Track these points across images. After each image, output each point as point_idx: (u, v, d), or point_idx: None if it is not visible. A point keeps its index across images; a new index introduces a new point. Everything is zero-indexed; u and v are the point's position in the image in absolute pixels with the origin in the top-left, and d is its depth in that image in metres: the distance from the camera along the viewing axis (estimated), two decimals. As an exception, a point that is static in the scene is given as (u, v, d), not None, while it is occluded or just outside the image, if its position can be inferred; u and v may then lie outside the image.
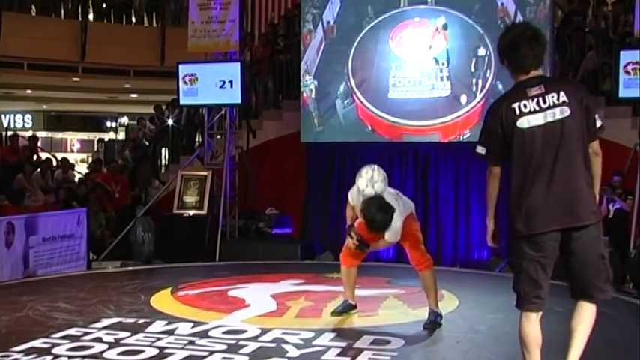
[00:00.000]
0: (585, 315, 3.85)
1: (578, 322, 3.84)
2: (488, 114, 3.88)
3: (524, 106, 3.71)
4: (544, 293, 3.77)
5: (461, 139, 9.64)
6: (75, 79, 17.41)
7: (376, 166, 5.71)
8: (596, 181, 3.82)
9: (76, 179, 12.96)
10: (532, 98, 3.71)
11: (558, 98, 3.68)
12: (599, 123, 3.77)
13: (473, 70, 9.53)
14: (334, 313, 6.05)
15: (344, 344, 5.12)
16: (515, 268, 3.81)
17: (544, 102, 3.69)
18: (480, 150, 3.86)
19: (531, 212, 3.70)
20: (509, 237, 3.83)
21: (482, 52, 9.48)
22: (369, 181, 5.59)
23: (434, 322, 5.68)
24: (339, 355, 4.88)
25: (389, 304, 6.56)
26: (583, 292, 3.82)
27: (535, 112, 3.69)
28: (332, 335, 5.38)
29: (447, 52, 9.65)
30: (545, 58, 3.87)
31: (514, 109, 3.72)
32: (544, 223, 3.68)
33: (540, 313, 3.81)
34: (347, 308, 6.07)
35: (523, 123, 3.70)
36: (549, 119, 3.68)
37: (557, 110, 3.68)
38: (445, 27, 9.64)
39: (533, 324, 3.76)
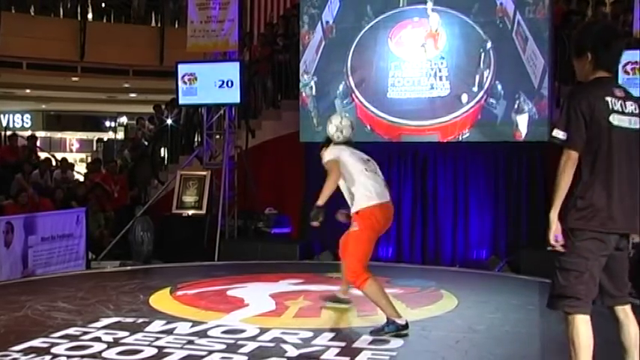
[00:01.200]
0: (634, 329, 3.80)
1: (630, 341, 3.79)
2: (573, 99, 3.66)
3: (614, 103, 3.65)
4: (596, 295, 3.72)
5: (460, 138, 9.63)
6: (74, 78, 17.41)
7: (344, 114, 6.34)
8: None
9: (76, 179, 12.95)
10: (618, 99, 3.66)
11: (636, 108, 3.68)
12: None
13: (472, 69, 9.53)
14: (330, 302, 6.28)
15: (343, 344, 5.12)
16: (577, 269, 3.62)
17: (626, 107, 3.67)
18: (561, 135, 3.64)
19: (604, 210, 3.62)
20: (568, 235, 3.64)
21: (481, 51, 9.47)
22: (338, 126, 6.07)
23: (379, 330, 5.38)
24: (338, 354, 4.87)
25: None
26: (619, 295, 3.80)
27: (621, 113, 3.65)
28: (331, 335, 5.37)
29: (446, 52, 9.65)
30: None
31: (607, 102, 3.63)
32: (615, 223, 3.62)
33: None
34: (345, 301, 6.19)
35: (614, 119, 3.63)
36: (632, 125, 3.66)
37: (635, 120, 3.67)
38: (444, 27, 9.64)
39: (589, 327, 3.67)
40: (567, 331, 3.67)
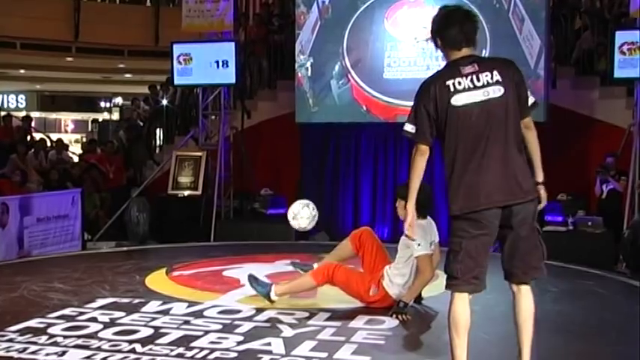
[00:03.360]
0: (529, 309, 3.81)
1: (524, 318, 3.80)
2: (419, 92, 3.81)
3: (459, 83, 3.68)
4: (483, 274, 3.78)
5: (456, 119, 9.62)
6: (68, 59, 17.32)
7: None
8: (537, 156, 3.84)
9: (72, 159, 12.93)
10: (466, 76, 3.68)
11: (492, 77, 3.67)
12: (532, 99, 3.81)
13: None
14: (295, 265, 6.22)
15: (338, 324, 5.13)
16: (453, 248, 3.72)
17: (478, 80, 3.67)
18: (409, 128, 3.83)
19: (471, 190, 3.66)
20: (449, 217, 3.76)
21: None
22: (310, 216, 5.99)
23: None
24: (333, 334, 4.89)
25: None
26: (520, 274, 3.81)
27: (469, 89, 3.67)
28: (327, 315, 5.39)
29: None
30: (478, 38, 3.83)
31: (448, 86, 3.69)
32: (485, 200, 3.65)
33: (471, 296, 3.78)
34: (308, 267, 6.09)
35: (458, 100, 3.67)
36: (484, 97, 3.66)
37: (490, 89, 3.66)
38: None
39: (466, 305, 3.75)
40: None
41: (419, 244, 5.29)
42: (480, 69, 3.69)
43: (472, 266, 3.72)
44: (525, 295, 3.81)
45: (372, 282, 5.56)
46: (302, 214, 6.00)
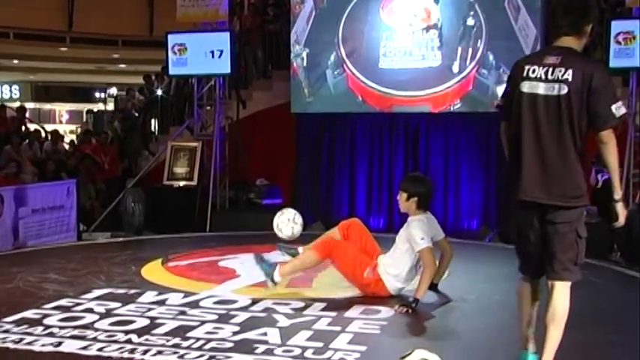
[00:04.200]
0: (552, 307, 3.77)
1: (549, 317, 3.77)
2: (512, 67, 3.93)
3: (533, 71, 3.70)
4: (536, 262, 3.80)
5: (451, 109, 9.64)
6: (62, 49, 17.27)
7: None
8: (613, 172, 3.77)
9: (67, 150, 12.91)
10: (544, 66, 3.69)
11: (564, 75, 3.63)
12: (616, 112, 3.63)
13: (463, 40, 9.50)
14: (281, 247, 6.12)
15: (334, 314, 5.15)
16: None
17: (552, 74, 3.66)
18: (498, 101, 4.00)
19: (516, 180, 3.72)
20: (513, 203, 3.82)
21: (472, 22, 9.43)
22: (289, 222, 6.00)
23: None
24: (329, 324, 4.91)
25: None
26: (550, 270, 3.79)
27: (538, 79, 3.68)
28: (322, 305, 5.40)
29: (437, 22, 9.60)
30: (583, 29, 3.80)
31: (524, 69, 3.74)
32: (523, 193, 3.70)
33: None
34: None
35: (524, 86, 3.71)
36: (547, 92, 3.65)
37: (556, 86, 3.63)
38: (437, 1, 9.57)
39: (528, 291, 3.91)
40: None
41: (422, 238, 5.34)
42: (560, 63, 3.67)
43: (525, 257, 3.93)
44: (553, 293, 3.78)
45: (369, 266, 5.61)
46: (281, 226, 6.05)
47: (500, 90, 9.13)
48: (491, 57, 9.36)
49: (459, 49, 9.53)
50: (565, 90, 3.62)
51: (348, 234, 5.86)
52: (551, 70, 3.66)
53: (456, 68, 9.53)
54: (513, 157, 3.77)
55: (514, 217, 3.84)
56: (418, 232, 5.39)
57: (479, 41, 9.44)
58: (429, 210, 5.64)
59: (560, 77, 3.63)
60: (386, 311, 5.23)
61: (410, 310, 5.21)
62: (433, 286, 5.73)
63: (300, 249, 5.91)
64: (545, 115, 3.65)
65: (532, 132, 3.68)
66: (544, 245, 3.75)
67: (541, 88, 3.66)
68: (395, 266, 5.55)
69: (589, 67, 3.66)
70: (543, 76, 3.67)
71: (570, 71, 3.62)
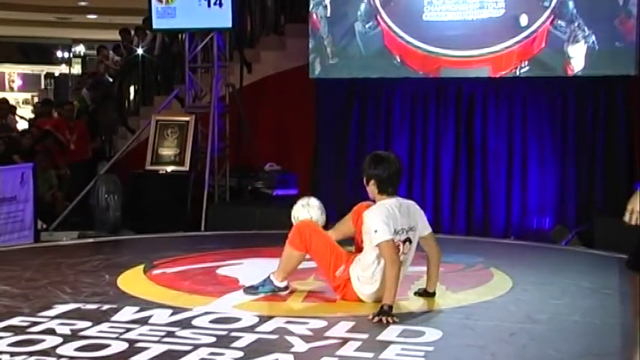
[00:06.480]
0: None
1: None
2: None
3: None
4: None
5: (517, 73, 9.60)
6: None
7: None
8: None
9: (18, 126, 13.01)
10: None
11: None
12: None
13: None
14: None
15: (365, 336, 5.16)
16: None
17: None
18: None
19: None
20: None
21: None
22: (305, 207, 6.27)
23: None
24: (358, 349, 4.91)
25: (423, 284, 6.59)
26: None
27: None
28: (349, 325, 5.41)
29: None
30: None
31: None
32: None
33: None
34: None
35: None
36: None
37: None
38: None
39: None
40: None
41: (375, 231, 5.55)
42: None
43: None
44: None
45: (346, 263, 5.85)
46: (297, 215, 6.28)
47: (572, 51, 9.24)
48: (571, 5, 9.31)
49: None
50: None
51: (359, 217, 5.97)
52: None
53: (524, 20, 9.49)
54: None
55: None
56: (372, 222, 5.59)
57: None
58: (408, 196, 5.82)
59: None
60: (431, 334, 5.23)
61: (389, 321, 5.34)
62: (430, 295, 6.00)
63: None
64: None
65: None
66: None
67: None
68: (360, 265, 5.80)
69: None
70: None
71: None
